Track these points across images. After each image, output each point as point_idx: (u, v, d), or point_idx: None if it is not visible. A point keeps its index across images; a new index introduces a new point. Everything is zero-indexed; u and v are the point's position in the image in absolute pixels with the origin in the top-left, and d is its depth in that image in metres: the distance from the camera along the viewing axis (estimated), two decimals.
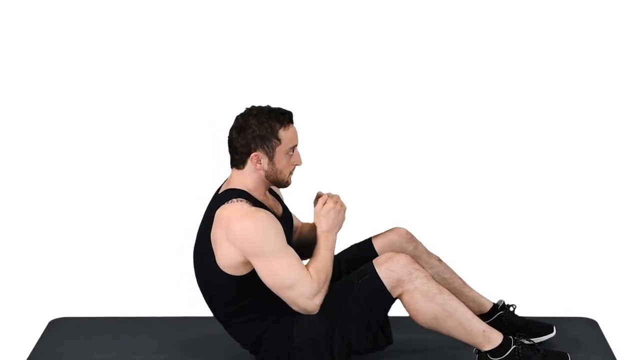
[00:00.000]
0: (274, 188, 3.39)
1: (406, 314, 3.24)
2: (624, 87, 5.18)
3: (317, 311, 3.12)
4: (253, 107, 3.19)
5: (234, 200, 3.13)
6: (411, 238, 3.43)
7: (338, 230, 3.22)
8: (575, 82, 5.20)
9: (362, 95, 5.24)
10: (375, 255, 3.36)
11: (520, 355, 3.17)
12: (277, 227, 3.11)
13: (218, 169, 4.91)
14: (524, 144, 5.14)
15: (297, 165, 3.23)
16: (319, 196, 3.29)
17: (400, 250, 3.37)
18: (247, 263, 3.12)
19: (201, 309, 3.89)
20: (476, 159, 5.11)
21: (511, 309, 3.48)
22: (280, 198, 3.41)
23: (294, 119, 3.20)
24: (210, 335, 3.59)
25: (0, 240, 4.70)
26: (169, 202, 4.91)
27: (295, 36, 5.25)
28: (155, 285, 4.38)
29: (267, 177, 3.19)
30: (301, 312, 3.13)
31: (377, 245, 3.41)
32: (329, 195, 3.24)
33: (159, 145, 5.12)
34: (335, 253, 3.43)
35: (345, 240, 3.46)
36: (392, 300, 3.19)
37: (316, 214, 3.21)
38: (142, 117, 5.16)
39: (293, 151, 3.20)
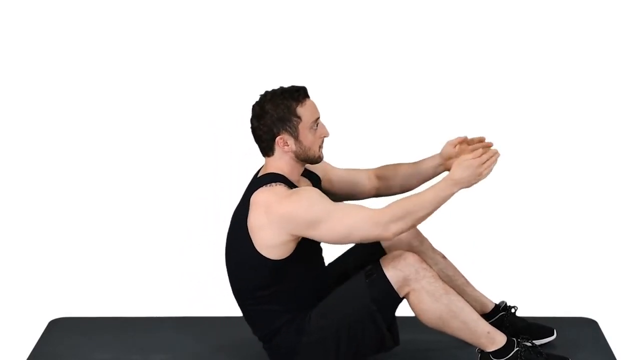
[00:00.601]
0: (313, 168, 3.36)
1: (410, 314, 3.24)
2: (624, 87, 5.18)
3: (393, 238, 3.07)
4: (266, 92, 3.17)
5: (272, 184, 3.12)
6: (417, 233, 3.43)
7: (463, 187, 3.08)
8: (576, 82, 5.19)
9: (368, 90, 5.23)
10: (383, 251, 3.36)
11: (523, 357, 3.17)
12: (317, 193, 3.09)
13: (218, 170, 4.94)
14: (525, 145, 5.14)
15: (324, 137, 3.20)
16: (461, 141, 3.23)
17: (406, 245, 3.37)
18: (289, 242, 3.10)
19: (201, 309, 3.90)
20: None
21: (513, 310, 3.48)
22: (317, 180, 3.36)
23: (310, 92, 3.17)
24: (210, 336, 3.59)
25: (0, 240, 4.70)
26: (169, 202, 4.90)
27: (295, 34, 5.25)
28: (155, 285, 4.38)
29: (297, 157, 3.17)
30: (380, 240, 3.08)
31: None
32: (486, 150, 3.11)
33: (159, 146, 5.11)
34: (341, 253, 3.46)
35: None
36: (399, 299, 3.17)
37: (460, 159, 3.08)
38: (142, 117, 5.15)
39: (317, 125, 3.17)
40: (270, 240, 3.10)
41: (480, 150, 3.10)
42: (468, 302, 3.25)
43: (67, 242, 4.70)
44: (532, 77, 5.23)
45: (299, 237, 3.11)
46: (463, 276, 3.46)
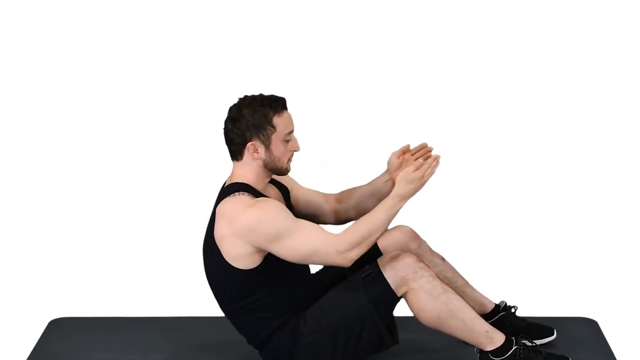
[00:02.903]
0: (281, 180, 3.37)
1: (409, 314, 3.24)
2: (624, 87, 5.18)
3: (350, 264, 3.08)
4: (246, 96, 3.17)
5: (236, 193, 3.12)
6: (415, 236, 3.43)
7: (410, 198, 3.11)
8: (575, 82, 5.20)
9: (366, 91, 5.24)
10: (380, 254, 3.35)
11: (522, 356, 3.17)
12: (282, 208, 3.10)
13: (217, 169, 4.93)
14: (525, 144, 5.14)
15: (294, 151, 3.21)
16: (405, 150, 3.22)
17: (404, 248, 3.37)
18: (255, 253, 3.11)
19: (201, 309, 3.90)
20: (476, 159, 5.11)
21: (512, 310, 3.48)
22: (286, 191, 3.38)
23: (289, 105, 3.17)
24: (210, 336, 3.60)
25: (0, 240, 4.70)
26: (169, 202, 4.91)
27: (292, 34, 5.25)
28: (154, 285, 4.38)
29: (265, 165, 3.17)
30: (337, 265, 3.09)
31: (380, 242, 3.39)
32: (426, 160, 3.13)
33: (158, 146, 5.12)
34: None
35: None
36: (397, 299, 3.18)
37: (402, 175, 3.10)
38: (141, 116, 5.16)
39: (290, 137, 3.18)
40: (235, 250, 3.11)
41: (420, 161, 3.14)
42: (468, 303, 3.25)
43: (67, 242, 4.70)
44: (529, 77, 5.23)
45: (263, 250, 3.11)
46: (462, 277, 3.46)
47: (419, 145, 3.34)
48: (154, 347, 3.54)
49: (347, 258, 3.06)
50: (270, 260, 3.13)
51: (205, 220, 3.25)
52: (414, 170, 3.08)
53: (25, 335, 3.82)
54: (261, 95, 3.16)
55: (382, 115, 5.22)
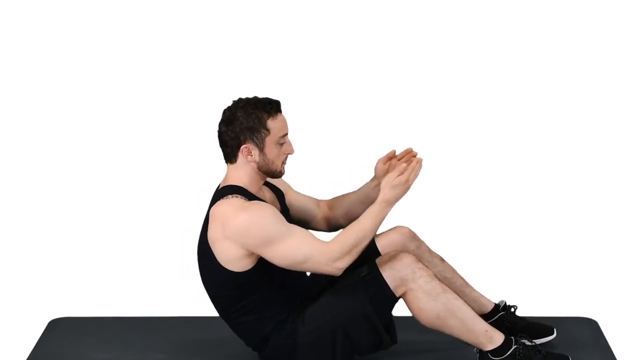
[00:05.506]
0: (276, 183, 3.37)
1: (408, 314, 3.24)
2: (623, 87, 5.18)
3: (340, 273, 3.08)
4: (240, 99, 3.17)
5: (229, 196, 3.12)
6: (414, 237, 3.43)
7: (396, 203, 3.11)
8: (574, 82, 5.20)
9: (365, 92, 5.24)
10: (378, 253, 3.36)
11: (522, 356, 3.17)
12: (274, 213, 3.08)
13: (218, 168, 4.94)
14: (524, 144, 5.14)
15: (289, 154, 3.20)
16: (390, 156, 3.21)
17: (402, 249, 3.36)
18: (248, 256, 3.10)
19: (201, 309, 3.90)
20: (476, 159, 5.11)
21: (512, 309, 3.48)
22: (281, 194, 3.38)
23: (283, 108, 3.16)
24: (210, 335, 3.60)
25: (0, 240, 4.70)
26: (169, 201, 4.91)
27: (293, 35, 5.26)
28: (155, 285, 4.38)
29: (259, 168, 3.17)
30: (327, 274, 3.10)
31: (379, 244, 3.40)
32: (409, 164, 3.11)
33: (158, 145, 5.12)
34: None
35: None
36: (396, 299, 3.18)
37: (386, 181, 3.08)
38: (142, 116, 5.16)
39: (284, 140, 3.17)
40: (228, 253, 3.11)
41: (403, 165, 3.11)
42: (467, 303, 3.25)
43: (67, 242, 4.70)
44: (529, 77, 5.24)
45: (255, 253, 3.11)
46: (462, 277, 3.46)
47: (404, 151, 3.33)
48: (154, 347, 3.54)
49: (337, 267, 3.07)
50: (264, 263, 3.13)
51: None
52: (398, 175, 3.08)
53: (25, 335, 3.82)
54: (255, 97, 3.16)
55: (382, 115, 5.22)
